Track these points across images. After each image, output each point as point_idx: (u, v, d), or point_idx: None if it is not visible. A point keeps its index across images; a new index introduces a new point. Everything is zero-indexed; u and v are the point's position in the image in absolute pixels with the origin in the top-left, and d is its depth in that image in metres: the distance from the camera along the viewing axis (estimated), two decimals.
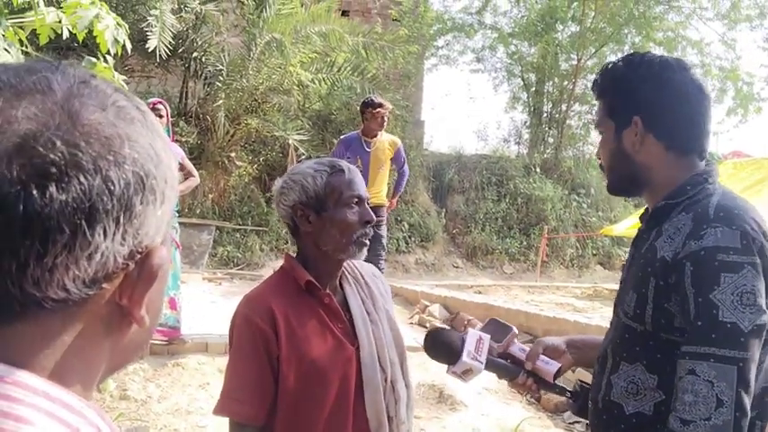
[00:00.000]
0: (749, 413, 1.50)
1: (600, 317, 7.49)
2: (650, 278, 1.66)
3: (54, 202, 0.53)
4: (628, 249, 1.93)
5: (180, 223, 6.79)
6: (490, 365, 1.94)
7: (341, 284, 2.10)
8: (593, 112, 18.10)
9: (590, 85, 18.72)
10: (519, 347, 2.02)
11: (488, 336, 1.98)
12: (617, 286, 1.87)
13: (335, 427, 1.94)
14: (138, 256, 0.60)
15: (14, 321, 0.57)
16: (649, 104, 1.74)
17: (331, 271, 2.05)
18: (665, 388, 1.64)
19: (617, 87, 1.80)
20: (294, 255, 2.12)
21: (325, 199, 1.98)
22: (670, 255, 1.62)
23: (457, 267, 14.45)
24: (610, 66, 1.85)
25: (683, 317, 1.59)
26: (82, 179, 0.54)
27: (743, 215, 1.60)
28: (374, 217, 2.05)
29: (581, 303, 10.48)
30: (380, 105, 6.64)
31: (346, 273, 2.12)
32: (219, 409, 1.94)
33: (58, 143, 0.54)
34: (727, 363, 1.49)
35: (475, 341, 1.92)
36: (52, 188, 0.53)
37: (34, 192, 0.52)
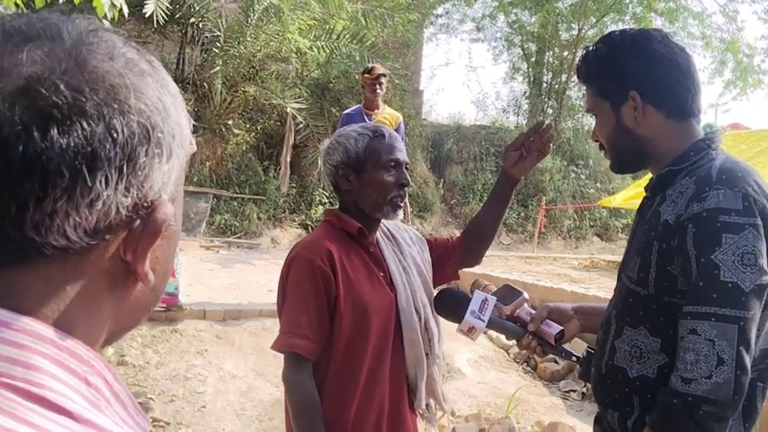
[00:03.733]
0: (749, 371, 1.53)
1: (597, 287, 7.53)
2: (654, 242, 1.69)
3: (55, 145, 0.53)
4: (625, 221, 1.95)
5: None
6: (493, 325, 2.03)
7: (377, 239, 2.26)
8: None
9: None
10: (527, 311, 2.08)
11: (494, 298, 2.06)
12: (614, 257, 1.90)
13: (378, 364, 2.13)
14: (144, 210, 0.60)
15: (15, 267, 0.56)
16: (643, 77, 1.77)
17: (370, 225, 2.20)
18: (668, 351, 1.67)
19: (605, 68, 1.83)
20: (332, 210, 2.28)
21: (365, 161, 2.14)
22: (673, 218, 1.65)
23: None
24: (591, 49, 1.88)
25: (685, 278, 1.62)
26: (84, 124, 0.54)
27: (745, 177, 1.62)
28: (409, 180, 2.19)
29: (578, 274, 10.53)
30: (369, 71, 6.54)
31: (380, 229, 2.28)
32: (281, 345, 2.07)
33: (62, 87, 0.54)
34: (728, 322, 1.51)
35: (480, 302, 2.02)
36: (53, 131, 0.53)
37: (35, 133, 0.52)
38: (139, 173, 0.58)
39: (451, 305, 2.08)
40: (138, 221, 0.60)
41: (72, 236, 0.56)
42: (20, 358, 0.54)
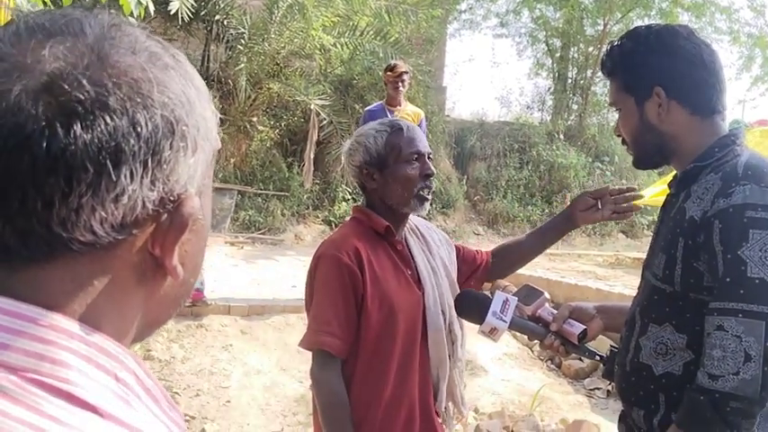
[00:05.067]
0: None
1: (622, 285, 7.47)
2: (679, 238, 1.68)
3: (78, 140, 0.53)
4: (650, 218, 1.94)
5: None
6: (515, 325, 2.03)
7: (405, 237, 2.25)
8: None
9: None
10: (548, 311, 2.07)
11: (515, 298, 2.05)
12: (639, 255, 1.89)
13: (407, 363, 2.11)
14: (170, 204, 0.60)
15: (44, 263, 0.56)
16: (668, 73, 1.76)
17: (397, 223, 2.19)
18: (693, 347, 1.66)
19: (630, 62, 1.82)
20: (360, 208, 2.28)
21: (387, 156, 2.13)
22: (699, 214, 1.64)
23: (478, 234, 14.40)
24: (616, 44, 1.87)
25: (711, 275, 1.61)
26: (108, 119, 0.54)
27: None
28: (434, 170, 2.18)
29: (603, 271, 10.45)
30: (392, 69, 6.53)
31: (407, 227, 2.27)
32: (309, 343, 2.08)
33: (85, 82, 0.54)
34: (755, 318, 1.50)
35: (501, 302, 2.00)
36: (77, 126, 0.53)
37: (59, 129, 0.52)
38: (165, 166, 0.58)
39: (473, 306, 2.07)
40: (166, 215, 0.60)
41: (98, 231, 0.56)
42: (47, 354, 0.54)
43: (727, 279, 1.54)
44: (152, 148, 0.57)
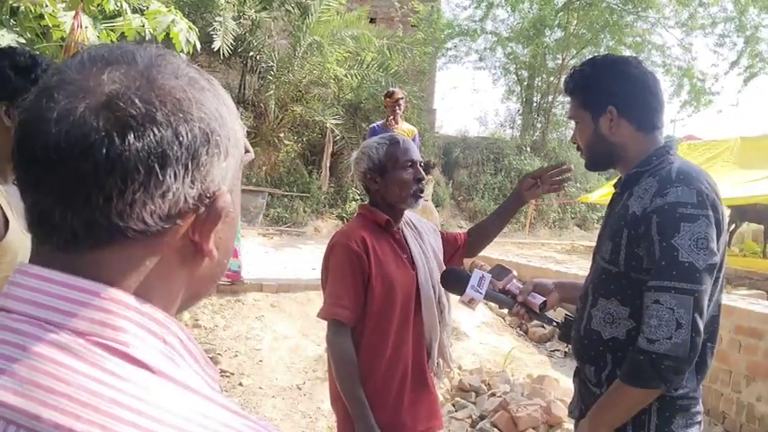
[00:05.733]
0: (702, 334, 1.53)
1: (577, 267, 7.45)
2: (624, 229, 1.68)
3: (132, 147, 0.53)
4: (600, 214, 1.94)
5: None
6: (489, 297, 2.03)
7: (401, 228, 2.25)
8: None
9: None
10: (516, 286, 2.07)
11: (490, 275, 2.06)
12: (591, 243, 1.89)
13: (403, 329, 2.13)
14: (207, 199, 0.59)
15: (104, 247, 0.56)
16: (619, 95, 1.75)
17: (396, 217, 2.19)
18: (635, 317, 1.67)
19: (588, 85, 1.80)
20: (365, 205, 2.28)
21: (386, 164, 2.14)
22: (639, 210, 1.64)
23: (461, 228, 14.38)
24: (577, 69, 1.86)
25: (649, 259, 1.61)
26: (156, 130, 0.54)
27: (698, 177, 1.62)
28: (425, 175, 2.19)
29: (561, 257, 10.45)
30: (390, 95, 6.51)
31: (403, 220, 2.27)
32: (326, 313, 2.09)
33: (137, 101, 0.54)
34: (686, 294, 1.51)
35: (478, 278, 2.02)
36: (130, 136, 0.53)
37: (116, 139, 0.52)
38: (202, 169, 0.58)
39: (455, 281, 2.08)
40: (203, 209, 0.59)
41: (149, 221, 0.56)
42: (108, 321, 0.54)
43: (663, 262, 1.55)
44: (192, 153, 0.56)
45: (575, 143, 1.91)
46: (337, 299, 2.05)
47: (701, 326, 1.52)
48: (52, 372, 0.50)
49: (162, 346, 0.56)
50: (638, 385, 1.56)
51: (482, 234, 2.46)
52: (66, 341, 0.51)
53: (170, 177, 0.55)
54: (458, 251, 2.42)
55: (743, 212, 10.83)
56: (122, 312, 0.55)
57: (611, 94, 1.75)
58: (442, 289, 2.22)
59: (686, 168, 1.66)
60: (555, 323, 2.03)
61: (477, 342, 5.82)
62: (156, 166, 0.54)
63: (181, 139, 0.55)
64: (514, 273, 2.11)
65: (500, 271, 2.12)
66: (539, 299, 2.00)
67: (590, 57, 1.91)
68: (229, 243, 0.67)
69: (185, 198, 0.57)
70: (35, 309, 0.53)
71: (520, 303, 2.02)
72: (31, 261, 0.58)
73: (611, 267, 1.72)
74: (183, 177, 0.56)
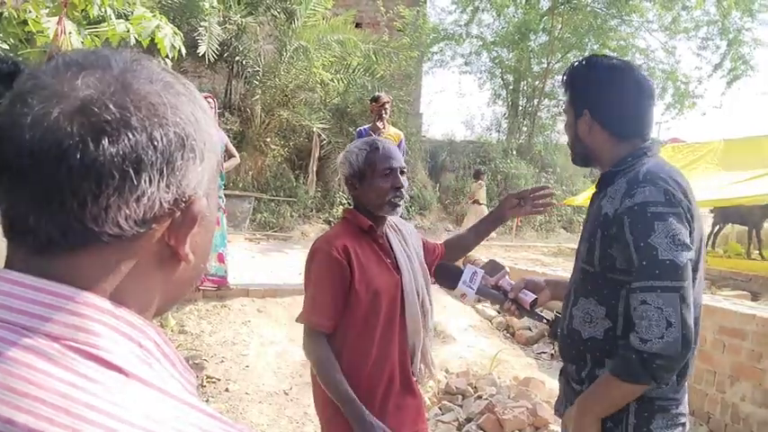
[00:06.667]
0: (693, 327, 1.54)
1: (562, 269, 7.49)
2: (597, 230, 1.70)
3: (106, 152, 0.53)
4: (585, 216, 1.96)
5: (225, 194, 6.79)
6: (481, 292, 2.05)
7: (385, 232, 2.24)
8: (560, 106, 18.11)
9: (557, 84, 18.71)
10: (508, 282, 2.08)
11: (482, 271, 2.08)
12: (576, 246, 1.89)
13: (388, 333, 2.12)
14: (183, 204, 0.60)
15: (79, 252, 0.56)
16: (596, 102, 1.77)
17: (378, 222, 2.18)
18: (611, 317, 1.68)
19: (575, 84, 1.83)
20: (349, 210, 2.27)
21: (365, 171, 2.12)
22: (611, 211, 1.66)
23: (448, 231, 14.41)
24: (575, 64, 1.87)
25: (624, 260, 1.62)
26: (130, 135, 0.54)
27: (665, 177, 1.63)
28: (403, 183, 2.16)
29: (548, 259, 10.50)
30: (375, 100, 6.51)
31: (387, 224, 2.26)
32: (302, 319, 2.10)
33: (111, 106, 0.54)
34: (671, 291, 1.52)
35: (470, 274, 2.04)
36: (105, 141, 0.53)
37: (90, 144, 0.53)
38: (177, 173, 0.58)
39: (448, 276, 2.09)
40: (179, 213, 0.60)
41: (124, 225, 0.56)
42: (82, 325, 0.54)
43: (644, 262, 1.55)
44: (167, 158, 0.57)
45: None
46: (316, 307, 2.06)
47: (691, 320, 1.53)
48: (26, 376, 0.50)
49: (137, 349, 0.57)
50: (627, 380, 1.57)
51: (458, 248, 2.50)
52: (41, 345, 0.52)
53: (145, 182, 0.55)
54: (435, 261, 2.43)
55: (727, 214, 10.95)
56: (97, 316, 0.55)
57: (587, 99, 1.78)
58: (426, 293, 2.23)
59: (654, 169, 1.67)
60: (545, 320, 2.04)
61: (464, 345, 5.83)
62: (131, 170, 0.54)
63: (156, 143, 0.56)
64: (506, 269, 2.14)
65: (493, 266, 2.14)
66: (530, 296, 2.01)
67: (591, 55, 1.91)
68: (206, 247, 0.67)
69: (161, 202, 0.57)
70: (9, 313, 0.53)
71: (511, 300, 2.02)
72: (7, 266, 0.58)
73: (588, 267, 1.74)
74: (159, 182, 0.56)
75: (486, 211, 10.17)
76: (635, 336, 1.55)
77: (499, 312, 6.80)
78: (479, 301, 6.48)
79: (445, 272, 2.13)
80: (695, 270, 1.63)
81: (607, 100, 1.76)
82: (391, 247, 2.22)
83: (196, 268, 0.66)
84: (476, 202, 12.30)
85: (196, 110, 0.61)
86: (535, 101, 17.99)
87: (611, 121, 1.77)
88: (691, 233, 1.59)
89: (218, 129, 0.68)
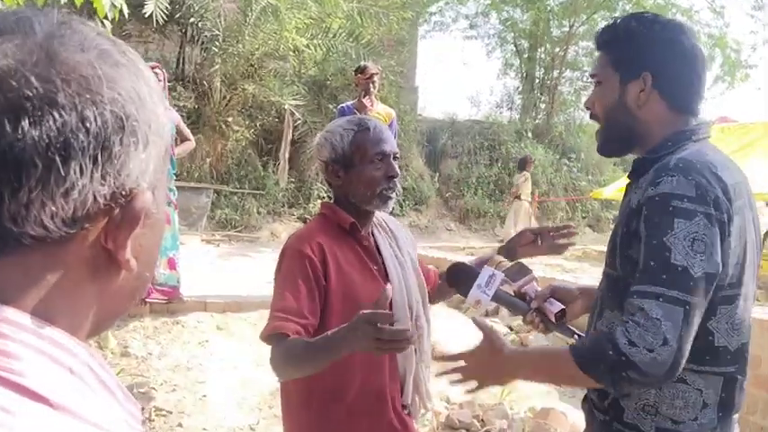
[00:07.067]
0: (686, 355, 1.52)
1: (588, 277, 7.53)
2: (619, 227, 1.71)
3: (27, 136, 0.52)
4: (614, 212, 1.96)
5: (177, 186, 6.77)
6: (499, 299, 2.02)
7: (372, 232, 2.22)
8: (585, 78, 18.09)
9: (581, 51, 18.70)
10: (534, 289, 2.06)
11: (502, 274, 2.05)
12: (605, 248, 1.88)
13: (374, 357, 2.02)
14: (122, 198, 0.59)
15: None
16: (660, 63, 1.73)
17: (362, 219, 2.15)
18: None
19: (629, 40, 1.77)
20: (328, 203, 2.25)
21: (352, 156, 2.09)
22: (635, 203, 1.65)
23: (449, 230, 14.47)
24: (620, 20, 1.83)
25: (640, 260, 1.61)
26: (56, 115, 0.53)
27: (702, 168, 1.59)
28: (398, 172, 2.14)
29: (570, 264, 10.53)
30: (361, 71, 6.49)
31: (375, 222, 2.24)
32: (269, 330, 1.97)
33: (33, 79, 0.53)
34: (675, 304, 1.50)
35: (487, 276, 2.02)
36: (25, 122, 0.52)
37: (7, 126, 0.52)
38: (115, 161, 0.57)
39: (461, 279, 2.08)
40: (118, 210, 0.59)
41: (49, 225, 0.55)
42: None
43: (652, 263, 1.54)
44: (101, 143, 0.56)
45: (588, 109, 1.89)
46: (282, 311, 1.97)
47: (688, 346, 1.51)
48: None
49: (67, 375, 0.56)
50: (584, 369, 1.57)
51: (446, 291, 2.44)
52: None
53: (75, 172, 0.55)
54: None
55: None
56: (16, 336, 0.54)
57: (652, 59, 1.73)
58: (421, 309, 2.20)
59: (690, 156, 1.63)
60: (576, 335, 1.98)
61: None
62: (58, 158, 0.54)
63: (88, 125, 0.55)
64: (533, 273, 2.11)
65: (519, 270, 2.11)
66: (556, 306, 1.98)
67: (629, 14, 1.88)
68: (152, 251, 0.67)
69: (95, 197, 0.57)
70: None
71: (535, 310, 2.00)
72: None
73: (611, 272, 1.74)
74: (92, 172, 0.56)
75: (527, 209, 10.06)
76: (624, 332, 1.52)
77: (511, 329, 6.83)
78: (496, 311, 6.46)
79: (458, 274, 2.12)
80: (737, 286, 1.61)
81: (674, 64, 1.73)
82: (379, 251, 2.19)
83: (140, 277, 0.66)
84: (517, 197, 12.26)
85: (139, 84, 0.61)
86: (555, 72, 18.06)
87: (675, 90, 1.74)
88: (724, 241, 1.56)
89: (167, 107, 0.67)
